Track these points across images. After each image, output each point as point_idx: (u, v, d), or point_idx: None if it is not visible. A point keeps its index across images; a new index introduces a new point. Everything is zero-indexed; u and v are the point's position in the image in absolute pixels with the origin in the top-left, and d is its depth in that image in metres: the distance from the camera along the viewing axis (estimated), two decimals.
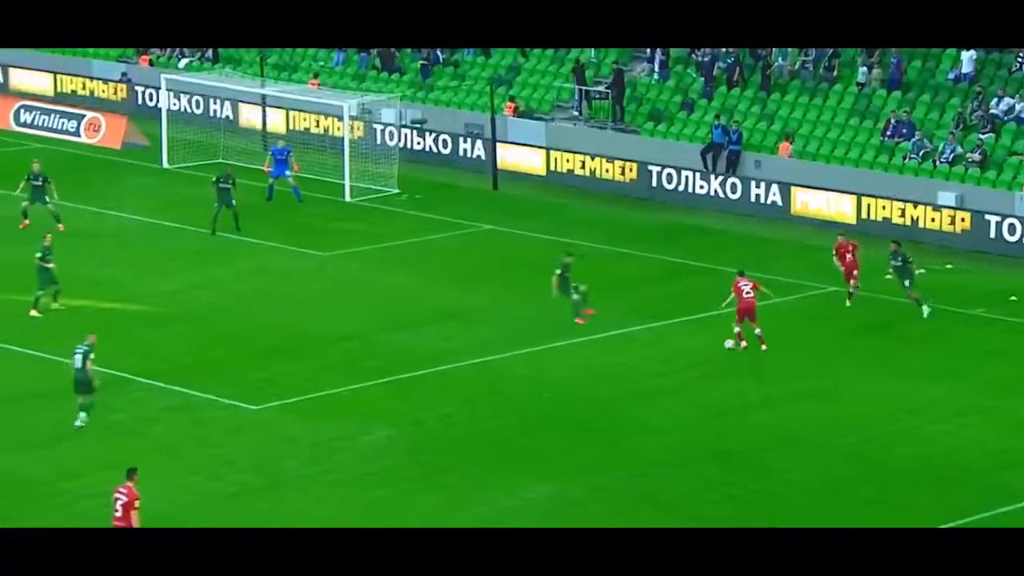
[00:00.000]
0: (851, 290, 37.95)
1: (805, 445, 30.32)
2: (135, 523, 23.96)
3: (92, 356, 29.89)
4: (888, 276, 37.99)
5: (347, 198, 47.79)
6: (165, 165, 50.32)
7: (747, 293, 35.27)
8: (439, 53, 56.31)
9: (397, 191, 48.56)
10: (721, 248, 43.07)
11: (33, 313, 35.95)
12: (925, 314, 37.20)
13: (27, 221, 43.08)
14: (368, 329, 36.29)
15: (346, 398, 32.15)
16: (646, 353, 35.26)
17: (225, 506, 27.16)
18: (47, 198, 43.10)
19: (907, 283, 37.49)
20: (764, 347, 34.88)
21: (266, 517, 26.61)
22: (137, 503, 24.06)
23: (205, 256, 41.85)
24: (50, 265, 36.23)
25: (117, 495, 24.49)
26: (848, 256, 37.98)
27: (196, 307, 37.70)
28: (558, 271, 36.79)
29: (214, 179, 43.44)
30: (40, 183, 43.11)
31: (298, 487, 28.04)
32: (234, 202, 43.01)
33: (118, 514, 24.30)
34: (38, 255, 36.25)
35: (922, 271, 38.65)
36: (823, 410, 32.07)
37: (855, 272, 37.87)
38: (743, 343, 35.07)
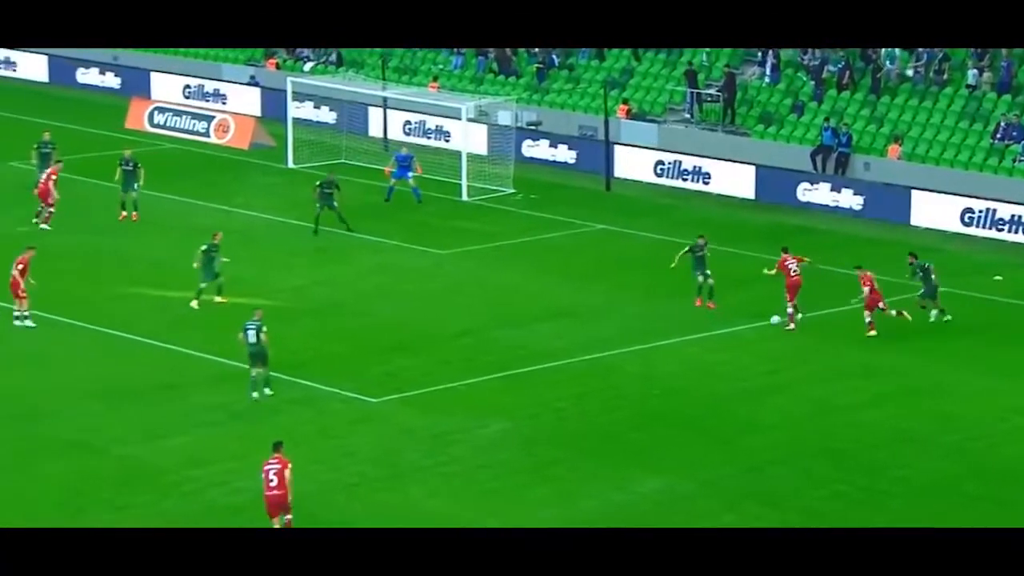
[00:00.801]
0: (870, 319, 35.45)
1: (912, 442, 29.89)
2: (289, 488, 24.83)
3: (264, 329, 30.83)
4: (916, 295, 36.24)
5: (464, 198, 47.88)
6: (290, 165, 50.72)
7: (794, 271, 35.53)
8: (554, 57, 56.26)
9: (513, 191, 48.57)
10: (829, 248, 42.59)
11: (193, 304, 36.40)
12: (945, 319, 36.15)
13: (125, 213, 43.81)
14: (483, 325, 36.32)
15: (462, 392, 32.19)
16: (755, 351, 34.95)
17: (345, 495, 27.28)
18: (135, 184, 43.82)
19: (923, 292, 36.17)
20: (792, 326, 35.16)
21: (384, 507, 26.72)
22: (289, 468, 24.85)
23: (327, 254, 42.12)
24: (221, 260, 36.80)
25: (268, 467, 25.04)
26: (867, 288, 35.49)
27: (319, 303, 37.95)
28: (686, 250, 37.02)
29: (317, 184, 43.71)
30: (131, 168, 43.91)
31: (415, 478, 28.09)
32: (336, 204, 43.22)
33: (273, 483, 24.89)
34: (203, 248, 36.77)
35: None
36: (930, 408, 31.60)
37: (880, 303, 35.56)
38: (791, 324, 35.40)
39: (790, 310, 35.54)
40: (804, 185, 47.76)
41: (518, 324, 36.42)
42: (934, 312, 36.35)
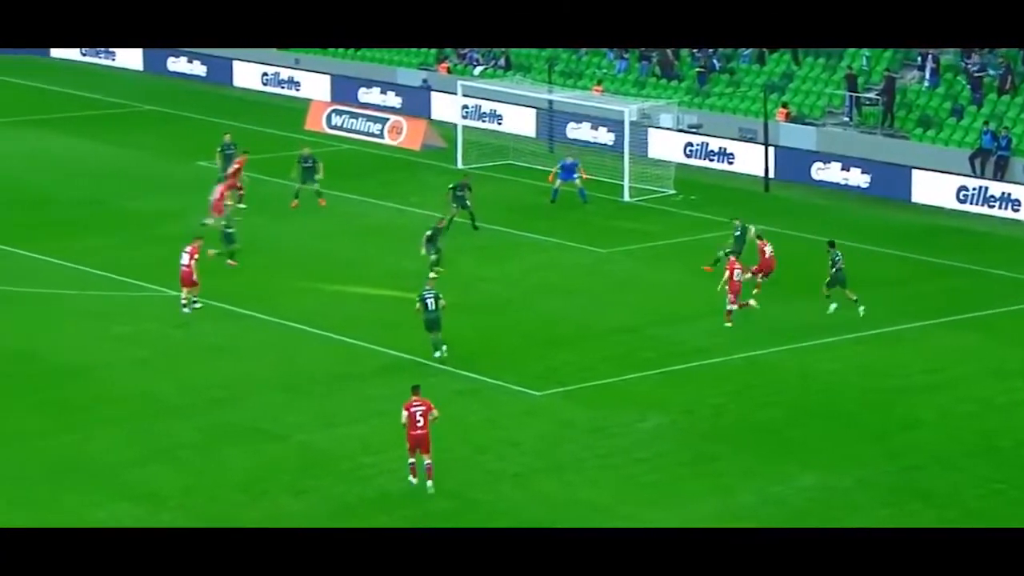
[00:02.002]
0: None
1: None
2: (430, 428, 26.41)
3: (440, 296, 32.56)
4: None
5: (626, 198, 47.80)
6: (459, 165, 51.10)
7: (768, 254, 36.95)
8: (716, 61, 55.91)
9: (673, 192, 48.37)
10: (984, 250, 41.75)
11: (432, 276, 37.41)
12: (861, 313, 35.90)
13: (297, 201, 44.87)
14: (642, 322, 36.23)
15: (621, 387, 32.14)
16: (914, 350, 34.42)
17: (510, 484, 27.43)
18: (316, 177, 45.09)
19: (838, 286, 36.20)
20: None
21: (546, 496, 26.81)
22: (434, 410, 26.53)
23: (492, 251, 42.34)
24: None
25: (414, 408, 26.38)
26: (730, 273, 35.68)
27: (484, 298, 38.19)
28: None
29: (451, 186, 43.94)
30: (310, 164, 45.18)
31: (576, 469, 28.12)
32: (469, 204, 43.40)
33: (419, 424, 26.43)
34: (428, 232, 38.59)
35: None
36: None
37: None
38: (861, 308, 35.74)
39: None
40: (962, 188, 46.84)
41: (676, 321, 36.26)
42: (833, 305, 36.15)
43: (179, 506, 26.26)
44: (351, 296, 37.80)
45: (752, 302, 36.04)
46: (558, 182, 46.51)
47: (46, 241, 41.76)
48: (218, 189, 43.22)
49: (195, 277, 36.02)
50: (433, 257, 38.87)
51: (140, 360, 33.25)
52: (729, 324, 35.47)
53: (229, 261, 39.22)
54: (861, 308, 36.09)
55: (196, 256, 36.15)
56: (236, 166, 45.38)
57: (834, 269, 36.48)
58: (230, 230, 39.55)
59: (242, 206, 44.15)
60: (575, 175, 46.47)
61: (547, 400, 31.43)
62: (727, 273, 35.80)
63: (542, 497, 26.77)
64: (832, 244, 37.14)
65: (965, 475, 27.81)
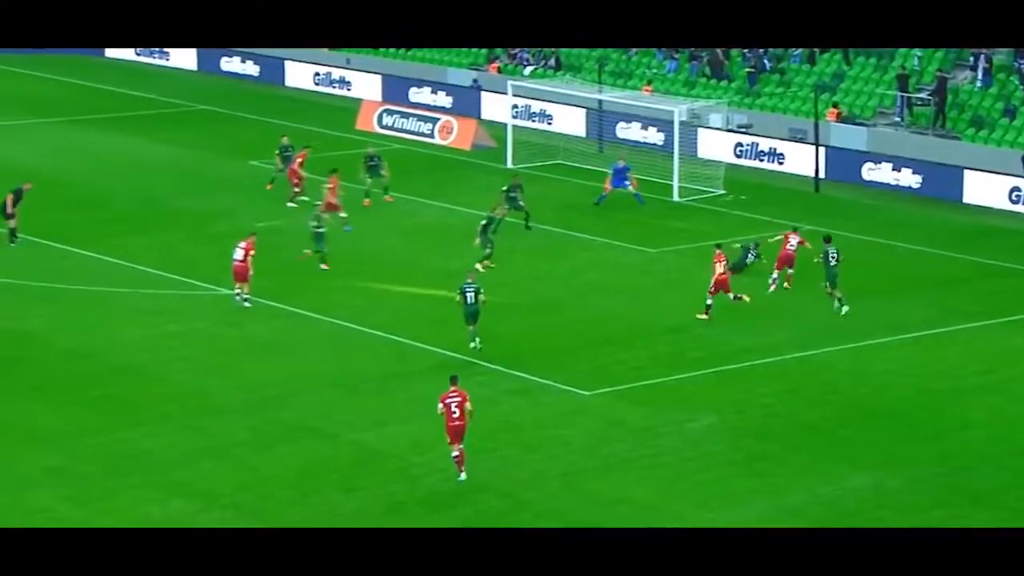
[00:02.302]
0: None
1: None
2: (467, 418, 26.87)
3: (481, 290, 33.15)
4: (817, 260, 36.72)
5: (675, 198, 47.67)
6: (509, 165, 51.09)
7: (791, 246, 37.66)
8: (766, 61, 55.67)
9: (723, 192, 48.20)
10: None
11: (479, 267, 38.40)
12: (844, 312, 35.75)
13: (368, 200, 45.24)
14: (692, 322, 36.10)
15: (671, 386, 32.06)
16: (966, 351, 34.16)
17: (559, 483, 27.39)
18: (382, 174, 45.91)
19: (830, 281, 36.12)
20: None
21: (595, 496, 26.76)
22: (468, 402, 26.92)
23: (542, 251, 42.31)
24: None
25: (450, 400, 26.84)
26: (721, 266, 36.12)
27: (534, 297, 38.17)
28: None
29: (504, 188, 43.92)
30: (375, 163, 46.06)
31: (625, 469, 28.05)
32: (522, 203, 43.44)
33: (455, 415, 26.83)
34: (483, 222, 39.29)
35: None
36: None
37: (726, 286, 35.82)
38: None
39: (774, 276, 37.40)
40: (1014, 189, 46.44)
41: (725, 321, 36.11)
42: (845, 308, 36.06)
43: (231, 503, 26.38)
44: (400, 295, 37.86)
45: (745, 297, 36.04)
46: (611, 187, 46.28)
47: (100, 240, 42.05)
48: (330, 181, 43.36)
49: (250, 272, 36.22)
50: (487, 250, 39.09)
51: (193, 358, 33.42)
52: (704, 317, 35.45)
53: (322, 265, 39.03)
54: (844, 308, 35.95)
55: (252, 252, 36.32)
56: (299, 159, 45.89)
57: (827, 267, 36.44)
58: (320, 230, 39.30)
59: (304, 198, 44.62)
60: (627, 181, 46.37)
61: (596, 399, 31.38)
62: (715, 267, 35.78)
63: (591, 496, 26.73)
64: (828, 239, 37.21)
65: (1017, 476, 27.57)
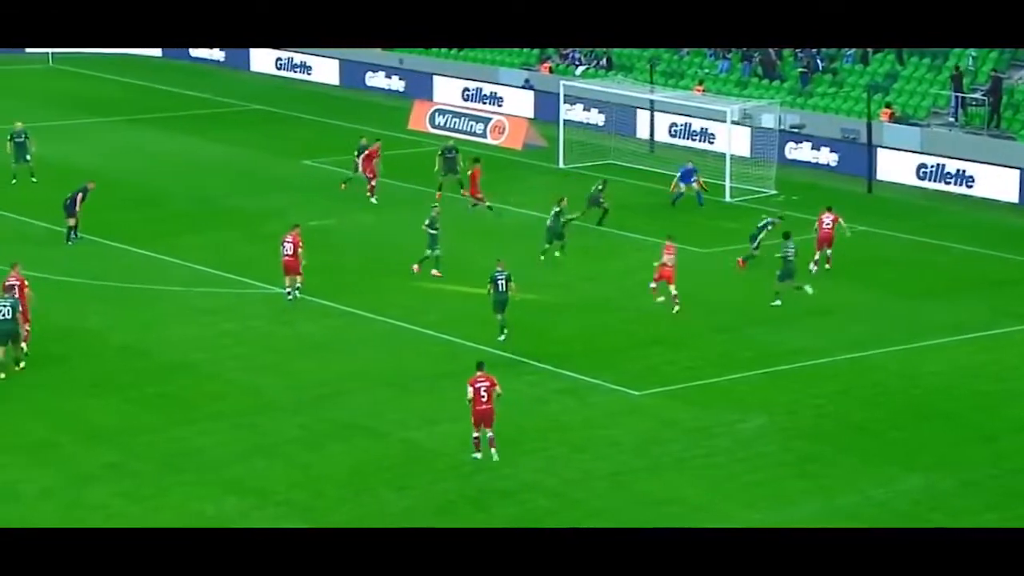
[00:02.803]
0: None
1: None
2: (495, 404, 27.41)
3: (511, 278, 33.67)
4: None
5: (727, 198, 47.53)
6: (561, 165, 51.09)
7: (826, 224, 39.08)
8: (819, 61, 55.42)
9: (775, 192, 48.01)
10: None
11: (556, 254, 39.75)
12: (810, 291, 36.42)
13: (440, 193, 45.72)
14: (742, 322, 36.02)
15: (722, 387, 31.98)
16: (1020, 352, 33.92)
17: (608, 483, 27.39)
18: (456, 168, 46.44)
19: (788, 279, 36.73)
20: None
21: (645, 496, 26.73)
22: (498, 386, 27.52)
23: (593, 250, 42.29)
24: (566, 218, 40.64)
25: (479, 384, 27.47)
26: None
27: (585, 297, 38.17)
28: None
29: (595, 188, 44.08)
30: (452, 156, 46.71)
31: (676, 469, 28.02)
32: (603, 202, 43.76)
33: (484, 399, 27.52)
34: (556, 210, 40.20)
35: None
36: None
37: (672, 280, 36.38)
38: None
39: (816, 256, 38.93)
40: None
41: (777, 321, 36.01)
42: (807, 287, 36.62)
43: (284, 501, 26.54)
44: (450, 294, 37.94)
45: (808, 288, 36.58)
46: (682, 186, 46.28)
47: (155, 239, 42.38)
48: (472, 171, 44.46)
49: (303, 263, 36.47)
50: (557, 242, 40.05)
51: (246, 356, 33.62)
52: (660, 299, 36.23)
53: (434, 271, 38.74)
54: (808, 287, 36.86)
55: (300, 245, 36.53)
56: (368, 153, 46.28)
57: (784, 260, 36.94)
58: (434, 231, 38.68)
59: (373, 199, 45.18)
60: (693, 180, 46.37)
61: (646, 400, 31.35)
62: (663, 256, 36.51)
63: (641, 496, 26.72)
64: (787, 236, 37.59)
65: None
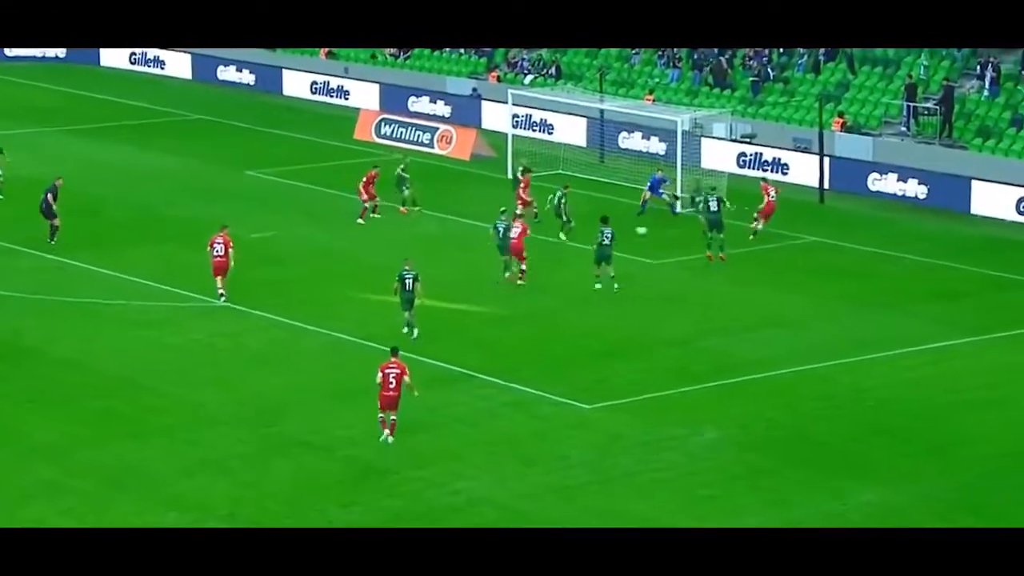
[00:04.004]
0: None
1: None
2: (402, 391, 28.52)
3: (419, 279, 34.63)
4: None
5: (678, 209, 47.79)
6: (510, 175, 51.23)
7: (771, 195, 42.91)
8: (769, 70, 55.82)
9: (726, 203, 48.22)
10: None
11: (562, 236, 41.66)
12: (616, 288, 38.26)
13: (404, 209, 46.33)
14: (694, 334, 36.25)
15: (673, 400, 32.17)
16: (970, 365, 34.28)
17: (558, 497, 27.51)
18: (405, 186, 46.65)
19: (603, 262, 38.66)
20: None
21: (595, 511, 26.87)
22: (407, 375, 28.54)
23: (541, 261, 42.39)
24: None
25: (388, 371, 28.47)
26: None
27: (532, 309, 38.29)
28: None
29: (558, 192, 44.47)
30: (403, 173, 46.90)
31: (627, 483, 28.16)
32: (563, 210, 44.24)
33: (392, 385, 28.62)
34: (559, 194, 43.17)
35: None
36: None
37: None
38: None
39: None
40: (1022, 200, 46.56)
41: (729, 334, 36.27)
42: (597, 285, 38.82)
43: (228, 516, 26.50)
44: (396, 306, 37.90)
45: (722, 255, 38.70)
46: (648, 194, 46.51)
47: (94, 250, 42.19)
48: (523, 179, 45.26)
49: (229, 266, 36.88)
50: (568, 226, 42.78)
51: (187, 370, 33.54)
52: (521, 282, 38.41)
53: (515, 279, 39.01)
54: (640, 228, 39.82)
55: (231, 246, 36.73)
56: (366, 180, 45.93)
57: (599, 245, 38.63)
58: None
59: (375, 215, 45.42)
60: (661, 191, 46.65)
61: (596, 413, 31.49)
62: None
63: (590, 510, 26.84)
64: (605, 220, 39.12)
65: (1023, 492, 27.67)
